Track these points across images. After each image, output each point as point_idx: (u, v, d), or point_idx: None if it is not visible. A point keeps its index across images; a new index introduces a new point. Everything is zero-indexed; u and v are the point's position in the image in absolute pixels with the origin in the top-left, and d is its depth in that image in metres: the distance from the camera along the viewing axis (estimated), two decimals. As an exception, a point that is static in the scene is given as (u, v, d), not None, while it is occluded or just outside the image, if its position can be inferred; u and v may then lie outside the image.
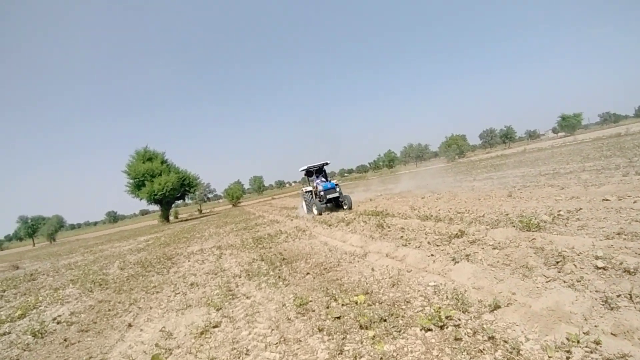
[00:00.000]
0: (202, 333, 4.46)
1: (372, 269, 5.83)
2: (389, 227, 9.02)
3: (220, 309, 5.33)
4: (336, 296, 4.79)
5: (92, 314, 6.56)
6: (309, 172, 18.25)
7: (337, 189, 16.26)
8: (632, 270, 3.65)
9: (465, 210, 9.66)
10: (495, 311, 3.50)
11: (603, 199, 7.30)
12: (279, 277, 6.52)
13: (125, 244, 22.83)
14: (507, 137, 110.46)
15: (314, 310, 4.51)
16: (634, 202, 6.71)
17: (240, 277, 7.17)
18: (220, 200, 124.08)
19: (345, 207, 15.53)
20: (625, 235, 4.92)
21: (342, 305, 4.47)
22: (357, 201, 18.69)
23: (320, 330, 3.85)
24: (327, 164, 17.52)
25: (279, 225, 15.71)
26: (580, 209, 6.98)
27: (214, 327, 4.63)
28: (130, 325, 5.52)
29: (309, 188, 17.80)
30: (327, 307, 4.50)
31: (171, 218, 55.18)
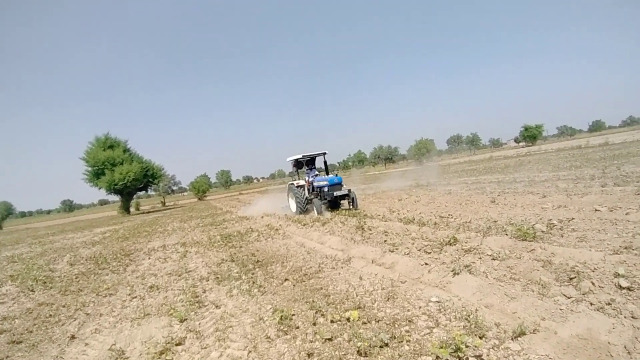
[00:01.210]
0: (161, 353, 3.68)
1: (360, 278, 5.23)
2: (370, 229, 8.48)
3: (185, 320, 4.55)
4: (323, 310, 4.15)
5: (28, 321, 5.56)
6: (298, 163, 15.42)
7: (344, 185, 13.60)
8: (663, 292, 3.24)
9: (448, 214, 9.29)
10: (519, 338, 2.98)
11: (595, 210, 7.07)
12: (253, 282, 5.79)
13: (80, 236, 21.11)
14: (473, 143, 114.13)
15: (298, 327, 3.84)
16: (626, 213, 6.50)
17: (207, 281, 6.38)
18: (185, 194, 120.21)
19: (352, 207, 12.98)
20: (635, 250, 4.59)
21: (332, 322, 3.83)
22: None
23: (310, 355, 3.19)
24: (324, 154, 14.86)
25: (249, 222, 14.88)
26: (573, 218, 6.70)
27: (177, 344, 3.86)
28: (73, 337, 4.62)
29: (301, 182, 14.80)
30: (314, 324, 3.85)
31: (132, 209, 52.51)
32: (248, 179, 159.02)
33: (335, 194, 12.87)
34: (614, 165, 14.44)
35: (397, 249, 6.25)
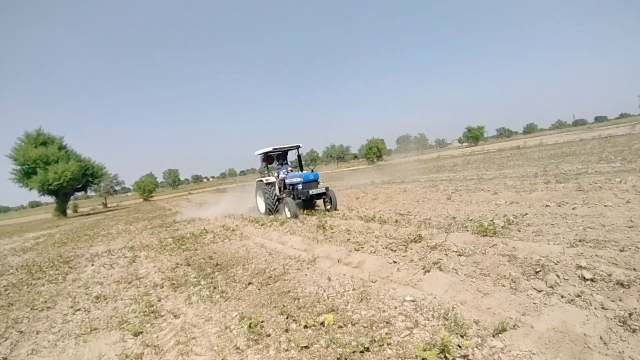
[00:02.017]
0: (115, 373, 3.27)
1: (329, 278, 5.05)
2: (331, 228, 8.35)
3: (140, 333, 4.12)
4: (295, 315, 3.93)
5: (-54, 343, 4.78)
6: (268, 157, 13.73)
7: (321, 182, 12.39)
8: (625, 283, 3.38)
9: (407, 212, 9.42)
10: (500, 335, 2.95)
11: (545, 205, 7.46)
12: (214, 287, 5.42)
13: (7, 242, 19.02)
14: (421, 143, 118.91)
15: (269, 335, 3.59)
16: (573, 208, 6.91)
17: (162, 288, 5.89)
18: (129, 194, 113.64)
19: (328, 207, 11.79)
20: (588, 242, 4.83)
21: (306, 327, 3.62)
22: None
23: (287, 366, 2.96)
24: (298, 147, 13.28)
25: (202, 223, 14.22)
26: (526, 214, 7.02)
27: (133, 362, 3.46)
28: (4, 360, 4.02)
29: (272, 179, 13.17)
30: (287, 331, 3.61)
31: (69, 212, 48.60)
32: (197, 179, 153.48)
33: (311, 192, 11.52)
34: (553, 164, 15.53)
35: (362, 247, 6.15)
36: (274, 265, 6.24)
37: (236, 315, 4.19)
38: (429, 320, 3.43)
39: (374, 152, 78.68)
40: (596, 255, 4.30)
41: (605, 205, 6.71)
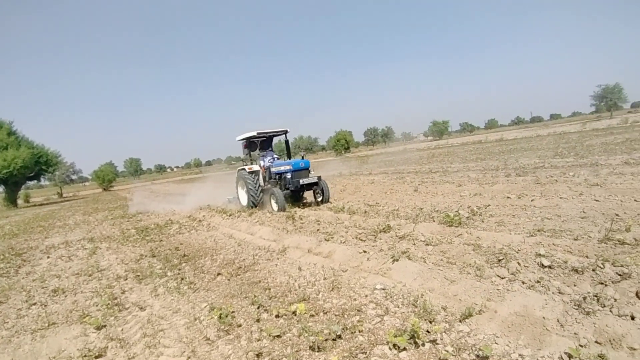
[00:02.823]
0: (77, 369, 3.13)
1: (300, 268, 5.05)
2: (301, 218, 8.34)
3: (104, 327, 3.95)
4: (266, 305, 3.90)
5: None
6: (251, 144, 12.32)
7: (312, 170, 11.15)
8: (579, 269, 3.61)
9: (376, 203, 9.57)
10: (467, 320, 3.07)
11: (506, 197, 7.80)
12: (182, 279, 5.29)
13: (-50, 234, 17.66)
14: (387, 136, 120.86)
15: (240, 326, 3.55)
16: (532, 200, 7.28)
17: (126, 280, 5.69)
18: (87, 184, 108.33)
19: (319, 199, 10.83)
20: (546, 232, 5.11)
21: (277, 316, 3.61)
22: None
23: (259, 356, 2.94)
24: (286, 132, 11.96)
25: (167, 214, 13.80)
26: (489, 205, 7.31)
27: (97, 357, 3.31)
28: (-49, 359, 3.74)
29: (256, 167, 11.68)
30: (258, 321, 3.58)
31: (20, 202, 45.71)
32: (161, 169, 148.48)
33: (301, 181, 10.24)
34: (512, 158, 16.26)
35: (332, 237, 6.19)
36: (243, 256, 6.17)
37: (205, 306, 4.11)
38: (399, 307, 3.51)
39: (342, 144, 79.25)
40: (553, 244, 4.57)
41: (560, 198, 7.11)
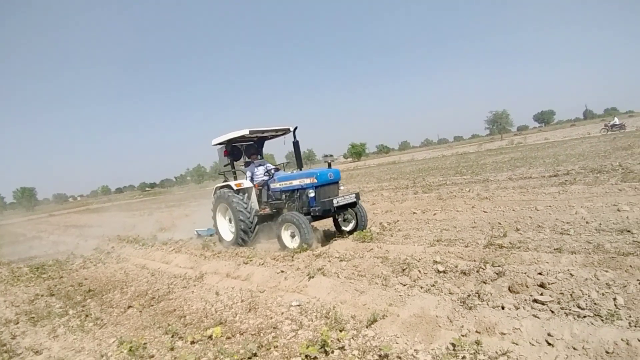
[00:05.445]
0: None
1: (217, 293, 5.00)
2: (215, 244, 8.21)
3: (-12, 378, 3.52)
4: (181, 332, 3.81)
5: None
6: (234, 149, 8.63)
7: (342, 185, 7.77)
8: (466, 271, 4.16)
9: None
10: (372, 325, 3.35)
11: (413, 212, 8.56)
12: (86, 315, 4.89)
13: None
14: (309, 158, 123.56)
15: (152, 357, 3.42)
16: (434, 214, 8.09)
17: (17, 324, 5.06)
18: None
19: (348, 227, 7.55)
20: (443, 242, 5.75)
21: (192, 343, 3.56)
22: (171, 217, 16.84)
23: (172, 384, 2.89)
24: (291, 130, 8.17)
25: (68, 246, 12.50)
26: (398, 220, 7.96)
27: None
28: None
29: (247, 184, 7.96)
30: (172, 349, 3.49)
31: None
32: (61, 198, 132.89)
33: (335, 201, 6.67)
34: (420, 177, 17.76)
35: (251, 260, 6.22)
36: (157, 286, 5.90)
37: (114, 341, 3.87)
38: (312, 320, 3.69)
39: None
40: (448, 252, 5.17)
41: (457, 211, 8.02)
